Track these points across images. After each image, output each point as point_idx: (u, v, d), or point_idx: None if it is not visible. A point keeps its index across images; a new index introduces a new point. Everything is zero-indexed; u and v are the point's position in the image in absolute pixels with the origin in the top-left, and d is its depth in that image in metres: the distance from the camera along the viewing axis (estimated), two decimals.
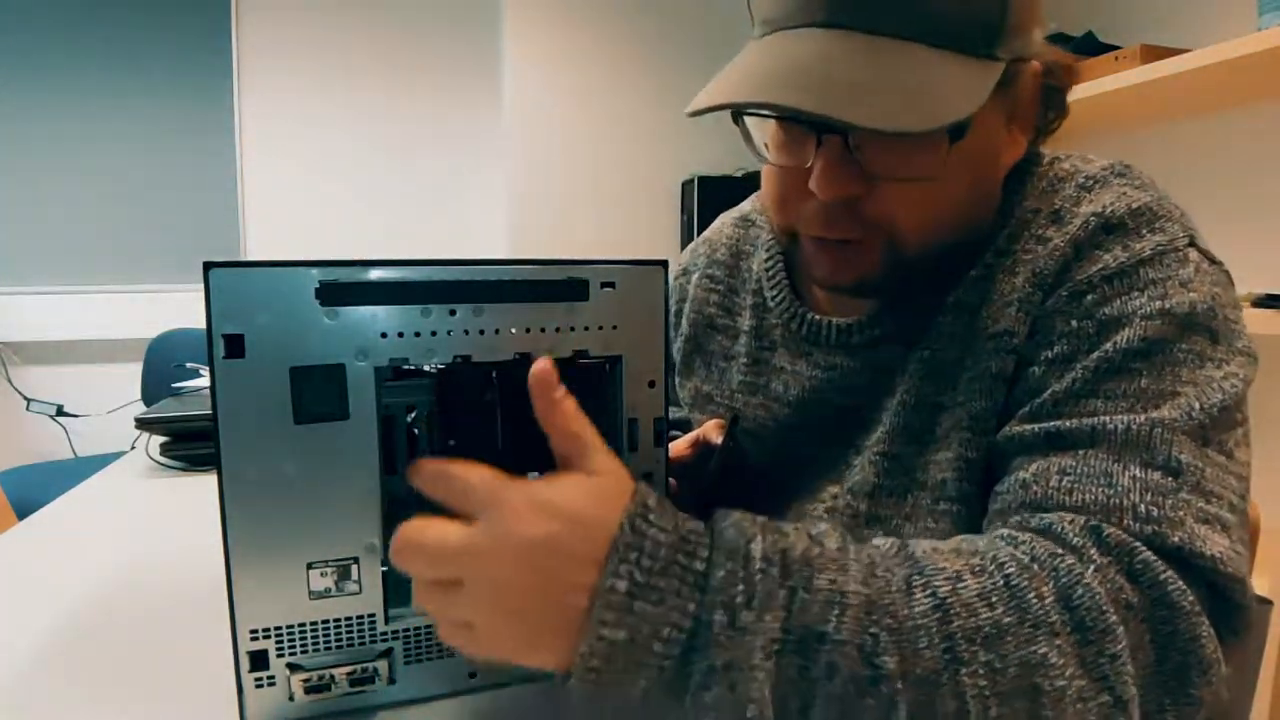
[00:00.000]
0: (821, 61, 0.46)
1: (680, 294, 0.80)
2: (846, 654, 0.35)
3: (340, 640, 0.43)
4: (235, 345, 0.39)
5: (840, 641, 0.36)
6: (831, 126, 0.47)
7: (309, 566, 0.42)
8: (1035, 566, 0.39)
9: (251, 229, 2.77)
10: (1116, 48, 1.50)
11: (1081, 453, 0.45)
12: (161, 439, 1.05)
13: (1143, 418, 0.44)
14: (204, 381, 1.23)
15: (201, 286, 0.39)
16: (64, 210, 2.59)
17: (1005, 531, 0.43)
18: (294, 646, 0.42)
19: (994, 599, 0.38)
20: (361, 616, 0.43)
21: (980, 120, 0.48)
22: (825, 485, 0.65)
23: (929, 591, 0.38)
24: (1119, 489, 0.43)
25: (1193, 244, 0.50)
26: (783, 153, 0.54)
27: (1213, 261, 0.50)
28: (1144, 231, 0.49)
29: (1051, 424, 0.46)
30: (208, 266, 0.39)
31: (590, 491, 0.38)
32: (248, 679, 0.41)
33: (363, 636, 0.43)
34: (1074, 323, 0.48)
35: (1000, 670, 0.36)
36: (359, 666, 0.43)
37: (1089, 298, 0.48)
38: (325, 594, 0.42)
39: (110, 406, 2.56)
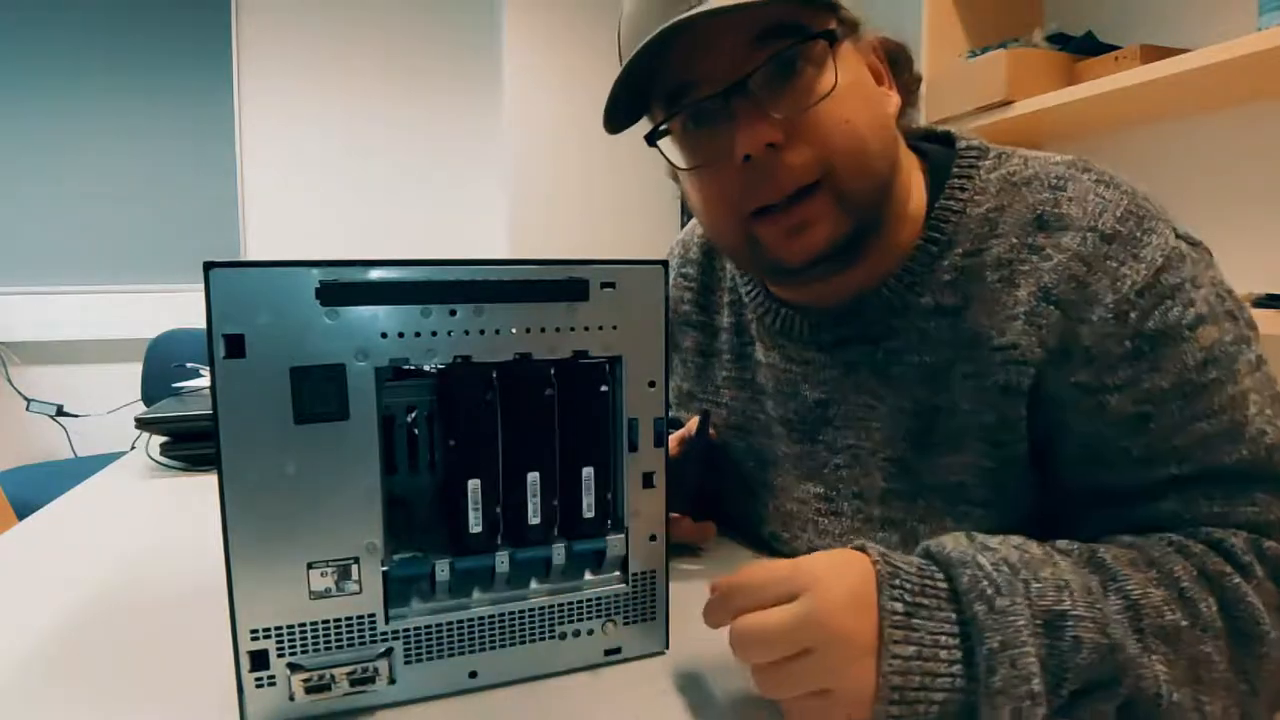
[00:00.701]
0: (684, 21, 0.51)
1: None
2: (1086, 628, 0.42)
3: (340, 640, 0.43)
4: (235, 345, 0.39)
5: (1080, 617, 0.42)
6: (730, 89, 0.53)
7: (309, 566, 0.42)
8: (1204, 580, 0.47)
9: (251, 229, 2.78)
10: (1116, 48, 1.50)
11: (1218, 492, 0.50)
12: (161, 439, 1.05)
13: (1246, 451, 0.49)
14: (204, 381, 1.23)
15: (201, 286, 0.39)
16: (64, 210, 2.59)
17: (1174, 539, 0.49)
18: (294, 646, 0.42)
19: (1170, 602, 0.45)
20: (361, 616, 0.43)
21: (846, 55, 0.55)
22: (803, 483, 0.67)
23: (1122, 595, 0.45)
24: (1265, 509, 0.49)
25: (1177, 235, 0.53)
26: (700, 151, 0.58)
27: (1192, 244, 0.54)
28: (1139, 236, 0.52)
29: (1179, 469, 0.50)
30: (208, 266, 0.39)
31: (840, 554, 0.45)
32: (248, 679, 0.41)
33: (363, 636, 0.43)
34: (1127, 344, 0.51)
35: (1174, 661, 0.43)
36: (359, 666, 0.43)
37: (1132, 316, 0.51)
38: (325, 594, 0.42)
39: (110, 406, 2.56)
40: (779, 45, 0.53)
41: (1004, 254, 0.56)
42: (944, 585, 0.43)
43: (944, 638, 0.41)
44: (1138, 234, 0.52)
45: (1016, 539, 0.46)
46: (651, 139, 0.59)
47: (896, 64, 0.61)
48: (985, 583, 0.42)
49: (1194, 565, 0.47)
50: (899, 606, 0.41)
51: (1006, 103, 1.58)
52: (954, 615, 0.42)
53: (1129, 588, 0.45)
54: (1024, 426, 0.54)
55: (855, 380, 0.63)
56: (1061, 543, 0.48)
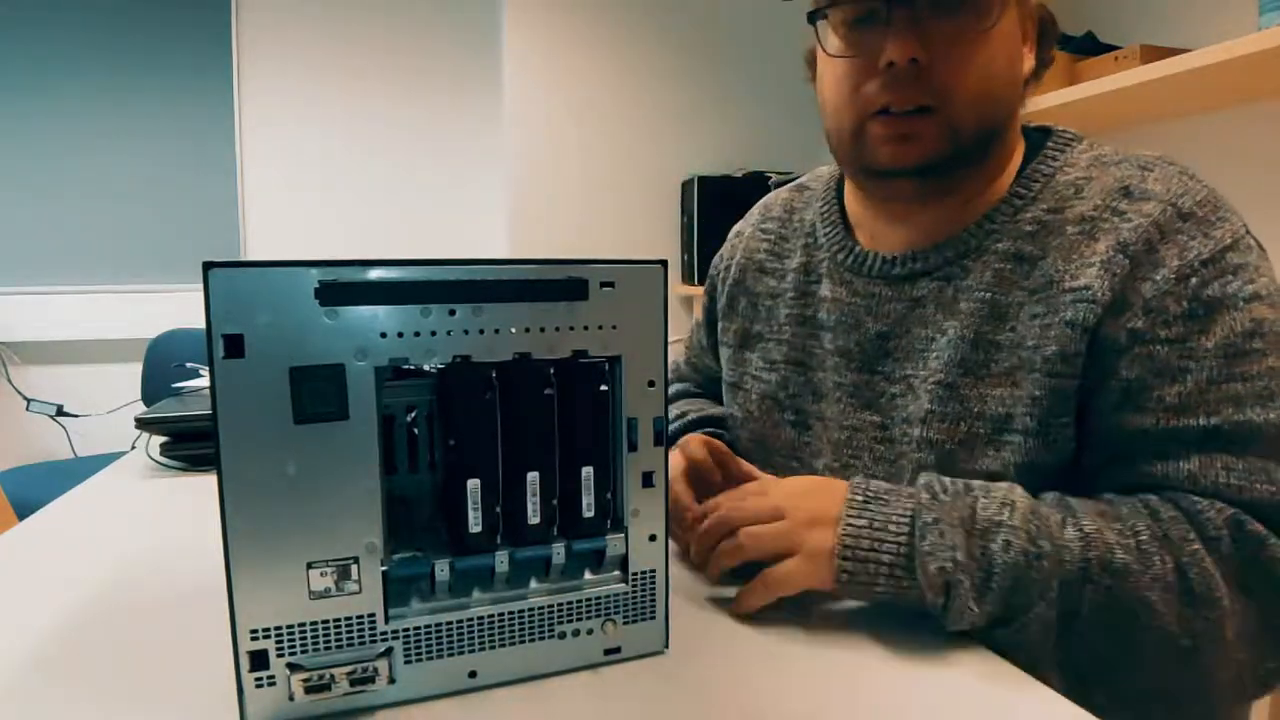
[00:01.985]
0: None
1: (731, 252, 0.88)
2: (1018, 535, 0.51)
3: (340, 640, 0.43)
4: (235, 345, 0.39)
5: (1014, 527, 0.51)
6: (900, 0, 0.58)
7: (309, 566, 0.42)
8: (1165, 542, 0.51)
9: (251, 229, 2.77)
10: (1116, 48, 1.50)
11: (1239, 453, 0.53)
12: (161, 439, 1.05)
13: (1275, 415, 0.53)
14: (204, 381, 1.23)
15: (201, 286, 0.39)
16: (64, 210, 2.59)
17: (1152, 501, 0.54)
18: (294, 646, 0.42)
19: (1126, 548, 0.51)
20: (361, 616, 0.43)
21: (1006, 13, 0.60)
22: (859, 412, 0.70)
23: (1078, 528, 0.52)
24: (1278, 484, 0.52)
25: (1247, 232, 0.58)
26: (851, 43, 0.63)
27: (1260, 247, 0.59)
28: (1214, 219, 0.57)
29: (1207, 420, 0.54)
30: (208, 266, 0.39)
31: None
32: (248, 679, 0.41)
33: (363, 636, 0.43)
34: (1185, 304, 0.55)
35: (1116, 596, 0.50)
36: (359, 666, 0.43)
37: (1193, 280, 0.55)
38: (325, 594, 0.42)
39: (110, 406, 2.56)
40: None
41: (1087, 212, 0.60)
42: (908, 492, 0.54)
43: (896, 516, 0.53)
44: (1212, 218, 0.57)
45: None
46: (813, 17, 0.65)
47: (1044, 35, 0.66)
48: (936, 486, 0.54)
49: (1160, 528, 0.52)
50: (858, 496, 0.54)
51: None
52: (907, 505, 0.53)
53: (1085, 523, 0.52)
54: (1081, 363, 0.57)
55: (920, 314, 0.66)
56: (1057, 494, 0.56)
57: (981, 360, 0.62)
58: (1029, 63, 0.65)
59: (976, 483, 0.55)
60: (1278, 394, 0.53)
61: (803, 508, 0.55)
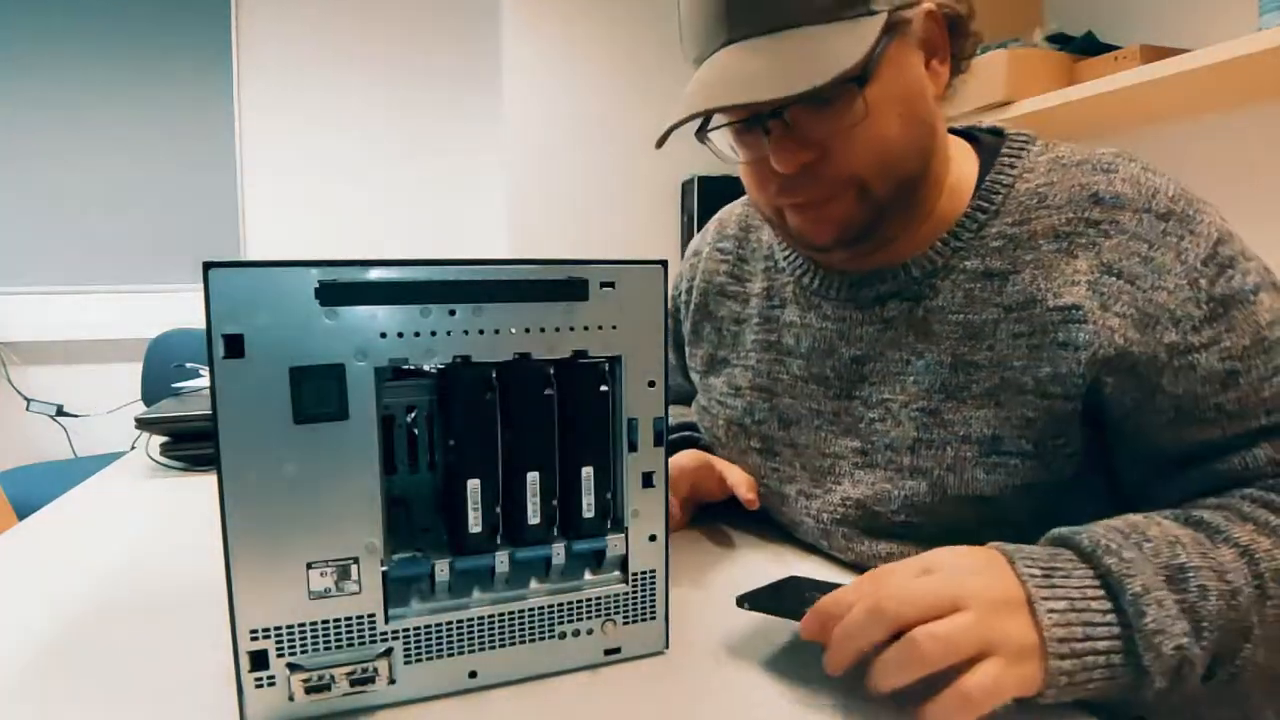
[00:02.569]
0: (736, 65, 0.55)
1: (691, 273, 0.87)
2: (1207, 575, 0.44)
3: (340, 640, 0.43)
4: (235, 345, 0.39)
5: (1198, 567, 0.45)
6: (766, 114, 0.57)
7: (309, 566, 0.42)
8: None
9: (251, 229, 2.77)
10: (1116, 48, 1.50)
11: None
12: (161, 439, 1.05)
13: None
14: (204, 381, 1.23)
15: (201, 286, 0.39)
16: (64, 210, 2.59)
17: (1259, 495, 0.52)
18: (294, 646, 0.42)
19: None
20: (361, 616, 0.43)
21: (889, 62, 0.56)
22: (839, 439, 0.69)
23: (1231, 543, 0.47)
24: None
25: (1220, 217, 0.58)
26: (745, 149, 0.63)
27: (1227, 224, 0.58)
28: (1192, 214, 0.56)
29: (1269, 419, 0.54)
30: (208, 266, 0.39)
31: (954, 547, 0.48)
32: (248, 679, 0.41)
33: (363, 636, 0.43)
34: (1204, 306, 0.54)
35: None
36: (359, 666, 0.43)
37: (1201, 282, 0.55)
38: (325, 594, 0.42)
39: (110, 406, 2.57)
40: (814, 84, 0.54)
41: (1060, 225, 0.59)
42: (1067, 552, 0.46)
43: (1089, 589, 0.43)
44: (1190, 212, 0.56)
45: (1112, 519, 0.49)
46: (701, 136, 0.63)
47: (955, 30, 0.62)
48: (1105, 541, 0.45)
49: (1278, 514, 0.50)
50: (1035, 570, 0.44)
51: (1006, 103, 1.58)
52: (1090, 571, 0.44)
53: (1235, 535, 0.48)
54: (1078, 386, 0.56)
55: (893, 336, 0.65)
56: (1153, 513, 0.51)
57: (962, 382, 0.61)
58: (941, 78, 0.61)
59: (1101, 525, 0.48)
60: None
61: (981, 590, 0.42)
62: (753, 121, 0.58)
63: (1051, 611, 0.42)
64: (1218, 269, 0.55)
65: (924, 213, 0.63)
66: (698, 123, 0.61)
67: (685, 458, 0.74)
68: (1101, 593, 0.43)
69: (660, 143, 0.59)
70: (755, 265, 0.80)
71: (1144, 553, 0.45)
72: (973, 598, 0.42)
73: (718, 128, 0.62)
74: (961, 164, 0.65)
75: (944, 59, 0.61)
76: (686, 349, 0.87)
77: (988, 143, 0.67)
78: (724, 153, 0.64)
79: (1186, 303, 0.54)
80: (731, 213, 0.86)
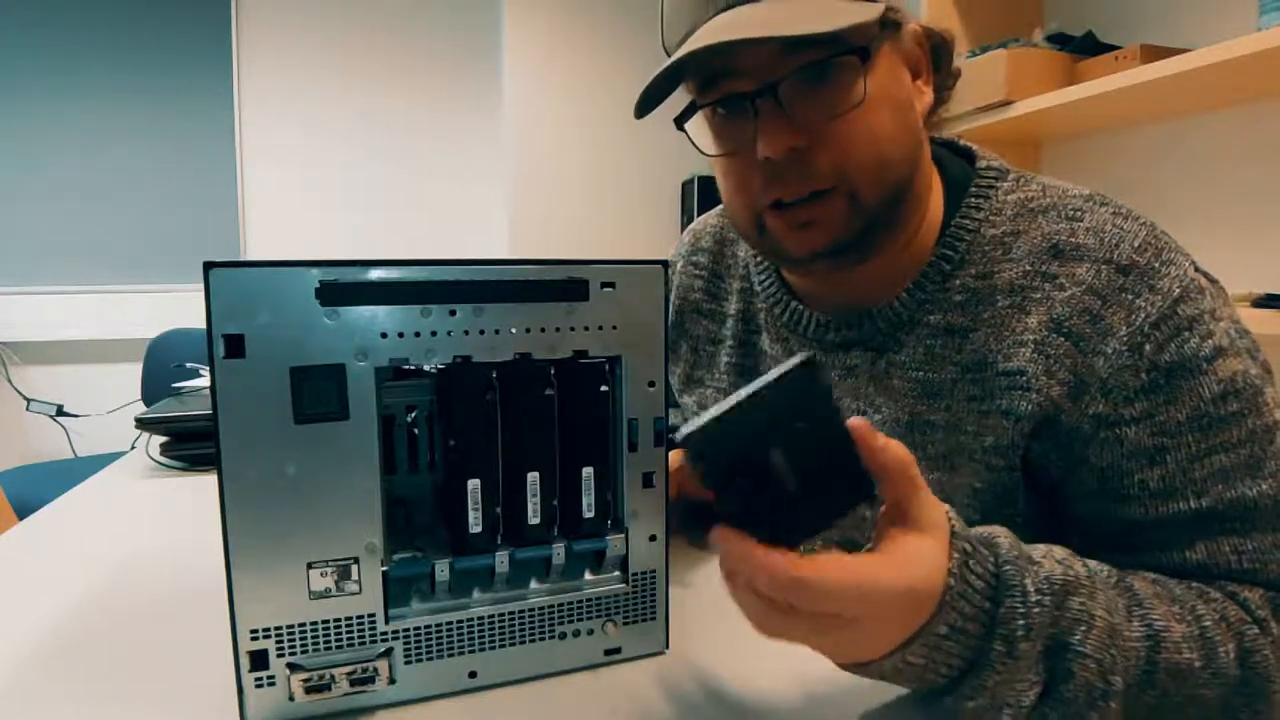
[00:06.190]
0: (746, 14, 0.52)
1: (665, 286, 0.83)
2: (1086, 666, 0.41)
3: (340, 640, 0.43)
4: (235, 345, 0.39)
5: (1083, 654, 0.41)
6: (755, 92, 0.53)
7: (309, 566, 0.42)
8: (1225, 626, 0.46)
9: (251, 229, 2.78)
10: (1116, 48, 1.50)
11: (1244, 532, 0.49)
12: (161, 439, 1.05)
13: (1268, 486, 0.49)
14: (204, 381, 1.23)
15: (201, 286, 0.39)
16: (64, 210, 2.59)
17: (1198, 586, 0.49)
18: (294, 646, 0.42)
19: (1193, 645, 0.45)
20: (361, 616, 0.43)
21: (882, 59, 0.55)
22: None
23: (1146, 623, 0.45)
24: None
25: (1195, 268, 0.53)
26: (726, 139, 0.59)
27: (1211, 280, 0.54)
28: (1156, 266, 0.52)
29: (1198, 503, 0.50)
30: (208, 266, 0.39)
31: (922, 555, 0.40)
32: (248, 679, 0.41)
33: (363, 636, 0.43)
34: (1143, 375, 0.50)
35: (1170, 697, 0.44)
36: (359, 666, 0.43)
37: (1147, 348, 0.50)
38: (325, 594, 0.42)
39: (110, 406, 2.57)
40: (812, 55, 0.52)
41: (1016, 279, 0.56)
42: (988, 608, 0.40)
43: (957, 660, 0.40)
44: (1155, 264, 0.52)
45: (1061, 552, 0.44)
46: (680, 122, 0.59)
47: (938, 55, 0.60)
48: (1019, 621, 0.40)
49: (1215, 610, 0.47)
50: (943, 629, 0.39)
51: (1006, 103, 1.58)
52: (978, 644, 0.40)
53: (1153, 617, 0.45)
54: (1018, 455, 0.54)
55: (852, 385, 0.64)
56: (1093, 562, 0.46)
57: (918, 441, 0.59)
58: (925, 98, 0.60)
59: (1048, 562, 0.43)
60: (1265, 459, 0.49)
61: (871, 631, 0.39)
62: (741, 99, 0.54)
63: (904, 662, 0.39)
64: (1170, 332, 0.50)
65: (905, 238, 0.60)
66: (692, 125, 0.58)
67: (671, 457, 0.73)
68: (966, 664, 0.40)
69: (641, 107, 0.56)
70: (731, 284, 0.77)
71: (1051, 623, 0.41)
72: (860, 621, 0.38)
73: (704, 105, 0.58)
74: (936, 197, 0.62)
75: (927, 81, 0.60)
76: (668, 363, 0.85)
77: (955, 173, 0.63)
78: (702, 143, 0.60)
79: (1123, 371, 0.51)
80: (705, 225, 0.82)
